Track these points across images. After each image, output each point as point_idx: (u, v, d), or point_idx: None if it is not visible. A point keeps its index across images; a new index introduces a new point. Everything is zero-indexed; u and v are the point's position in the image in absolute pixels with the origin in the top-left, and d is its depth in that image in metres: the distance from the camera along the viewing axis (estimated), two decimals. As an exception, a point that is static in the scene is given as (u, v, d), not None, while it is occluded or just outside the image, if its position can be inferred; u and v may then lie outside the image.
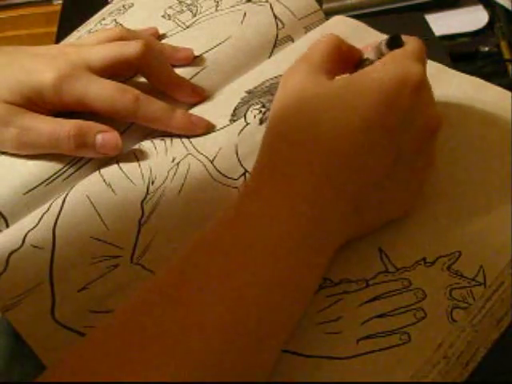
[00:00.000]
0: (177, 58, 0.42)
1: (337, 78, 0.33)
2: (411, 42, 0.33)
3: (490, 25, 0.62)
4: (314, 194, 0.28)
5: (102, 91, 0.37)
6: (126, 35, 0.41)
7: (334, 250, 0.30)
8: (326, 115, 0.30)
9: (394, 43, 0.33)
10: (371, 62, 0.34)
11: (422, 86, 0.31)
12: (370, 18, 0.46)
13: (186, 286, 0.26)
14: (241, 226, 0.28)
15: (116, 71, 0.39)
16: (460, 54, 0.59)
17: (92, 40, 0.41)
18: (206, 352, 0.24)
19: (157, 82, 0.40)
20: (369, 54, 0.35)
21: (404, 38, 0.34)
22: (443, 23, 0.62)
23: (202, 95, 0.41)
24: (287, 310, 0.27)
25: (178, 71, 0.41)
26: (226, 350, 0.24)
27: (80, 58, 0.38)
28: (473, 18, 0.63)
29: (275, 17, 0.45)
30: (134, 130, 0.39)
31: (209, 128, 0.38)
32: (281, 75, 0.41)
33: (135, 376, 0.23)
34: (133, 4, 0.49)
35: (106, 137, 0.36)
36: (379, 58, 0.33)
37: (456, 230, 0.32)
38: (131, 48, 0.38)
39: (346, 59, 0.35)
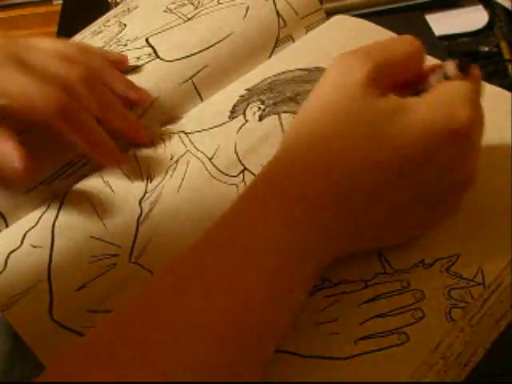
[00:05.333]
0: (131, 96, 0.38)
1: (384, 99, 0.28)
2: (468, 82, 0.29)
3: (489, 25, 0.62)
4: (318, 210, 0.27)
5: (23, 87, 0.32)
6: (79, 55, 0.36)
7: (329, 260, 0.29)
8: (359, 139, 0.27)
9: (465, 67, 0.29)
10: (426, 90, 0.30)
11: (466, 138, 0.28)
12: (370, 18, 0.46)
13: (182, 289, 0.26)
14: (233, 231, 0.27)
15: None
16: (460, 53, 0.59)
17: (44, 44, 0.36)
18: (199, 354, 0.24)
19: (75, 139, 0.34)
20: (430, 78, 0.31)
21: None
22: (443, 23, 0.62)
23: (120, 160, 0.36)
24: (280, 309, 0.27)
25: (180, 69, 0.41)
26: (218, 354, 0.24)
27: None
28: (473, 18, 0.62)
29: (278, 14, 0.45)
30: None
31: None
32: (283, 72, 0.41)
33: (131, 375, 0.23)
34: (137, 6, 0.49)
35: None
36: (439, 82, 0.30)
37: (455, 232, 0.32)
38: (45, 101, 0.32)
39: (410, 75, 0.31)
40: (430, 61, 0.32)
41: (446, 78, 0.30)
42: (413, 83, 0.31)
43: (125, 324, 0.25)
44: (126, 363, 0.23)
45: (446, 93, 0.29)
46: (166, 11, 0.46)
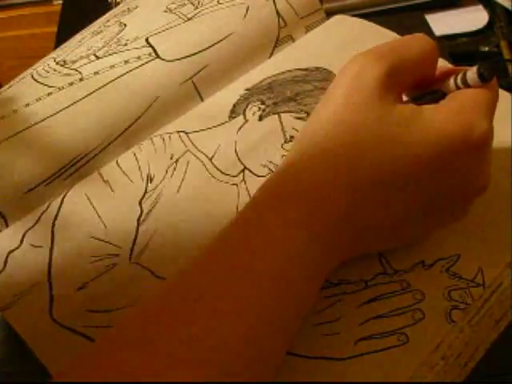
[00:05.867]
0: None
1: (400, 106, 0.28)
2: (487, 91, 0.28)
3: (489, 25, 0.62)
4: (328, 221, 0.27)
5: None
6: None
7: (336, 263, 0.29)
8: (372, 146, 0.27)
9: (488, 78, 0.28)
10: (441, 96, 0.30)
11: (482, 149, 0.28)
12: (370, 18, 0.46)
13: (194, 297, 0.25)
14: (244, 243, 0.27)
15: None
16: (460, 53, 0.58)
17: None
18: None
19: None
20: (444, 84, 0.30)
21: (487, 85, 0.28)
22: (443, 23, 0.61)
23: None
24: (289, 313, 0.27)
25: (180, 69, 0.41)
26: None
27: None
28: (473, 18, 0.62)
29: (278, 14, 0.45)
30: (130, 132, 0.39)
31: None
32: (283, 72, 0.40)
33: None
34: (137, 6, 0.49)
35: None
36: (458, 88, 0.29)
37: (455, 232, 0.32)
38: None
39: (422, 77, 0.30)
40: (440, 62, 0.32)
41: (465, 83, 0.29)
42: (426, 83, 0.31)
43: (134, 332, 0.25)
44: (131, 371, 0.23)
45: (465, 102, 0.28)
46: (166, 11, 0.46)
